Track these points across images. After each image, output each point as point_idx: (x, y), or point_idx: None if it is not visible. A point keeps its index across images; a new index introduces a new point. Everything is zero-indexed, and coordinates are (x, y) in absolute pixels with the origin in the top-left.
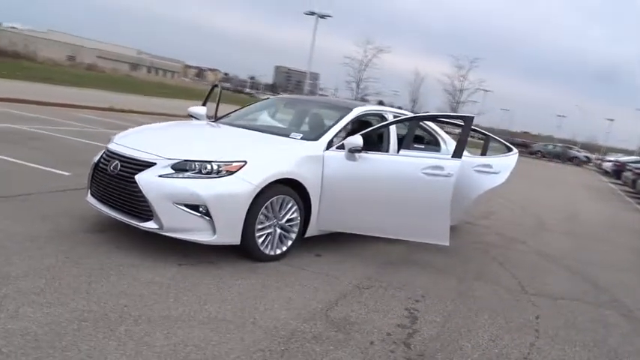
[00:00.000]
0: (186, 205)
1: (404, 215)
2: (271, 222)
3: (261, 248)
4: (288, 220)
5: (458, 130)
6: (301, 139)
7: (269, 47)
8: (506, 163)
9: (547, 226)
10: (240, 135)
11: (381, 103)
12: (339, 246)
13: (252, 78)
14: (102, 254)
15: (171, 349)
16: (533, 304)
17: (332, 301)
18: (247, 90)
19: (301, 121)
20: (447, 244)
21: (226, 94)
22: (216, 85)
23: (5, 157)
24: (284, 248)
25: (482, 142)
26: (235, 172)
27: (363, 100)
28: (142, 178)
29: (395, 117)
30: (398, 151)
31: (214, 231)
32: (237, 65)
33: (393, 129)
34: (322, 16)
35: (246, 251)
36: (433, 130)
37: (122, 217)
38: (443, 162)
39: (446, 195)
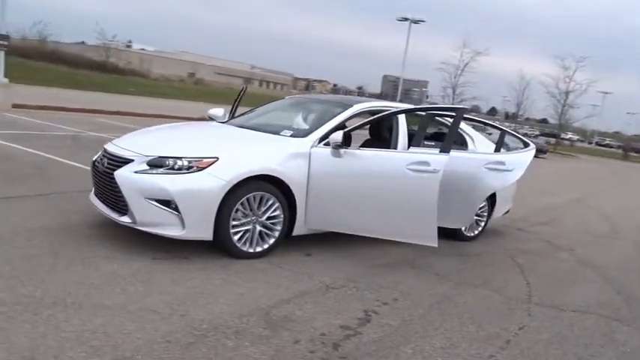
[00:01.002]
0: (157, 200)
1: (389, 214)
2: (250, 219)
3: (238, 245)
4: (270, 218)
5: (492, 130)
6: (291, 136)
7: (376, 57)
8: (520, 159)
9: (619, 235)
10: (230, 133)
11: (475, 110)
12: (336, 246)
13: (359, 88)
14: (86, 246)
15: (77, 334)
16: (528, 314)
17: (284, 299)
18: None
19: (304, 119)
20: (436, 245)
21: None
22: (244, 89)
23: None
24: (265, 246)
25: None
26: (205, 168)
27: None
28: (119, 174)
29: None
30: (408, 149)
31: (183, 226)
32: (346, 76)
33: (402, 125)
34: (415, 22)
35: (222, 248)
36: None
37: (107, 212)
38: (429, 157)
39: (432, 192)
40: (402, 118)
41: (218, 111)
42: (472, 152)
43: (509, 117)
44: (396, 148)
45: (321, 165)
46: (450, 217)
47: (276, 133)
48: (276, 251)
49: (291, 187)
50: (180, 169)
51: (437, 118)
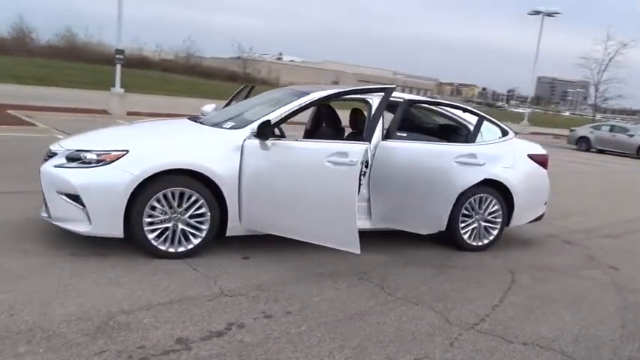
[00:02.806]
0: (67, 195)
1: (311, 213)
2: (168, 216)
3: (155, 244)
4: (194, 216)
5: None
6: (230, 128)
7: (529, 57)
8: (493, 152)
9: None
10: (169, 127)
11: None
12: (285, 249)
13: (510, 91)
14: (19, 240)
15: None
16: (449, 344)
17: (148, 305)
18: (499, 104)
19: (263, 111)
20: (358, 251)
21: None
22: (246, 86)
23: None
24: (190, 246)
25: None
26: (113, 161)
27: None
28: (42, 168)
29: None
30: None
31: (90, 221)
32: (496, 79)
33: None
34: (549, 14)
35: (139, 246)
36: (457, 116)
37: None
38: (347, 147)
39: (349, 188)
40: (374, 107)
41: (209, 107)
42: (439, 144)
43: None
44: (368, 140)
45: (253, 158)
46: (415, 221)
47: (219, 125)
48: (209, 252)
49: (217, 183)
50: (89, 162)
51: (438, 109)
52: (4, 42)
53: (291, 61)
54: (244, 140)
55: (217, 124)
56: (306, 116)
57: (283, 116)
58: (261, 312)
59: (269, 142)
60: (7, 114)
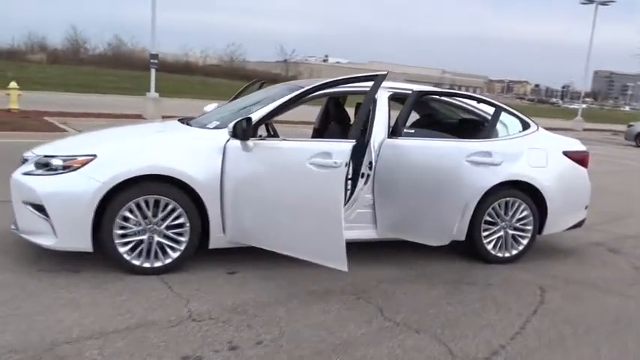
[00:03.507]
0: (32, 205)
1: (293, 224)
2: (143, 228)
3: (128, 258)
4: (172, 227)
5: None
6: (214, 128)
7: (583, 50)
8: (513, 148)
9: None
10: (144, 128)
11: None
12: (278, 263)
13: (564, 87)
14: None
15: None
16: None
17: (99, 332)
18: (553, 100)
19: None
20: (345, 269)
21: (520, 107)
22: (257, 81)
23: None
24: (168, 260)
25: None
26: (80, 167)
27: None
28: (13, 177)
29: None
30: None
31: (55, 234)
32: (550, 75)
33: (382, 109)
34: (603, 3)
35: (111, 261)
36: (476, 109)
37: None
38: (331, 146)
39: (333, 195)
40: (381, 100)
41: (211, 106)
42: (449, 140)
43: None
44: (368, 139)
45: (235, 162)
46: (423, 230)
47: (204, 126)
48: (191, 266)
49: (196, 190)
50: (56, 169)
51: (453, 101)
52: (56, 52)
53: (337, 62)
54: (227, 141)
55: (203, 125)
56: (314, 115)
57: (266, 114)
58: (227, 342)
59: (250, 143)
60: (43, 120)
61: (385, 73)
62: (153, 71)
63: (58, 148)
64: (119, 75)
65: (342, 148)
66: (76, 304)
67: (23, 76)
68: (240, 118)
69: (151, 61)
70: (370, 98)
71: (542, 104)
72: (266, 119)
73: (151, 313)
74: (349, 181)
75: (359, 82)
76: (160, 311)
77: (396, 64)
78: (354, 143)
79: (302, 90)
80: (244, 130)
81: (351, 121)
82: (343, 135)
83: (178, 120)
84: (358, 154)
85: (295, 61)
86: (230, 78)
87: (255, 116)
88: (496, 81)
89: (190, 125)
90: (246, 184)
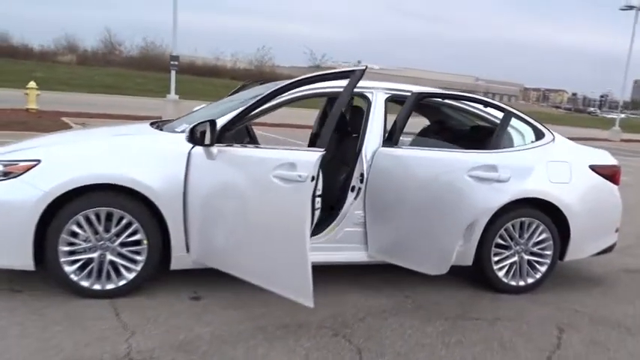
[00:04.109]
0: None
1: (255, 247)
2: (93, 244)
3: (75, 279)
4: (127, 244)
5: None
6: (182, 132)
7: (623, 60)
8: (525, 162)
9: None
10: (102, 131)
11: None
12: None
13: (602, 96)
14: None
15: None
16: None
17: None
18: (590, 109)
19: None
20: (310, 304)
21: (554, 116)
22: (255, 82)
23: None
24: (122, 282)
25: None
26: (21, 174)
27: None
28: None
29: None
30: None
31: None
32: (587, 83)
33: (377, 114)
34: None
35: (57, 281)
36: (491, 115)
37: None
38: (296, 156)
39: (297, 214)
40: (377, 103)
41: (199, 107)
42: (449, 151)
43: None
44: (360, 147)
45: (201, 171)
46: (416, 255)
47: (173, 130)
48: (152, 288)
49: (155, 202)
50: None
51: (459, 105)
52: (86, 54)
53: (370, 67)
54: (192, 148)
55: (174, 128)
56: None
57: (233, 117)
58: None
59: (214, 150)
60: (58, 120)
61: (364, 68)
62: (173, 73)
63: (5, 151)
64: (147, 77)
65: (307, 159)
66: (2, 333)
67: (51, 77)
68: (202, 121)
69: (171, 62)
70: (344, 99)
71: (579, 113)
72: (237, 123)
73: (82, 348)
74: (318, 199)
75: (333, 79)
76: (93, 347)
77: (428, 70)
78: (323, 153)
79: (268, 92)
80: (205, 135)
81: (358, 129)
82: (341, 142)
83: (150, 123)
84: (348, 164)
85: (328, 67)
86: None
87: (223, 119)
88: (532, 89)
89: (161, 129)
90: (210, 197)
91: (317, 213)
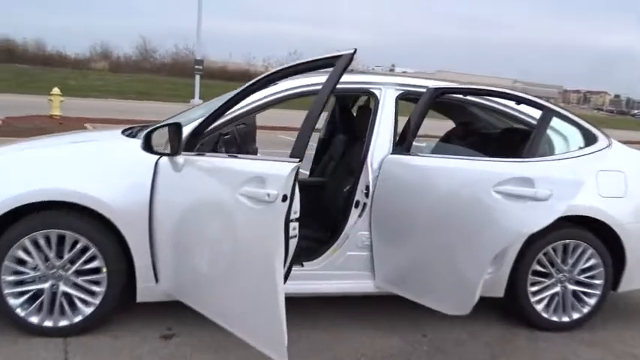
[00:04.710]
0: None
1: (226, 282)
2: (43, 273)
3: (23, 314)
4: (83, 273)
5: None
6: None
7: None
8: (570, 174)
9: None
10: (63, 139)
11: None
12: None
13: None
14: None
15: None
16: None
17: None
18: (634, 111)
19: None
20: (284, 359)
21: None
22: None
23: None
24: (77, 318)
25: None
26: None
27: None
28: None
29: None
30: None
31: None
32: (631, 85)
33: (386, 114)
34: None
35: (2, 317)
36: (526, 115)
37: None
38: (265, 168)
39: (266, 244)
40: (386, 101)
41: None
42: (473, 160)
43: None
44: (365, 155)
45: (169, 184)
46: (432, 289)
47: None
48: (120, 322)
49: (115, 222)
50: None
51: (495, 105)
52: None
53: (404, 72)
54: (159, 157)
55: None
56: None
57: (204, 120)
58: None
59: (180, 160)
60: (82, 127)
61: (352, 51)
62: (197, 78)
63: None
64: (176, 83)
65: (276, 173)
66: None
67: (84, 84)
68: (163, 123)
69: (196, 67)
70: (325, 94)
71: (621, 115)
72: (209, 126)
73: None
74: (294, 224)
75: (314, 69)
76: None
77: (464, 73)
78: (297, 164)
79: (241, 89)
80: (152, 143)
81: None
82: (349, 148)
83: (123, 130)
84: (352, 175)
85: (361, 71)
86: None
87: (194, 125)
88: (572, 91)
89: (134, 135)
90: (180, 217)
91: (293, 242)
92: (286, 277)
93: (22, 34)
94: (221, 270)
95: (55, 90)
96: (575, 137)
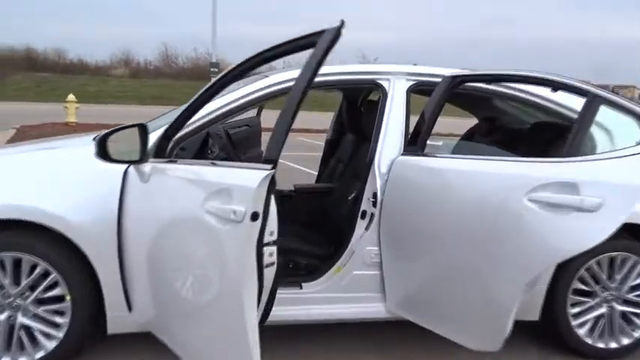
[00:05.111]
0: None
1: (195, 313)
2: None
3: None
4: (45, 302)
5: None
6: None
7: None
8: (624, 175)
9: None
10: (30, 147)
11: None
12: None
13: None
14: None
15: None
16: None
17: None
18: None
19: None
20: None
21: None
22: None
23: None
24: (39, 354)
25: None
26: None
27: None
28: None
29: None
30: (399, 155)
31: None
32: None
33: (396, 109)
34: None
35: None
36: (562, 106)
37: None
38: (231, 178)
39: (233, 274)
40: (396, 94)
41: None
42: (502, 160)
43: None
44: (372, 158)
45: (138, 197)
46: (452, 318)
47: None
48: (90, 355)
49: (77, 242)
50: None
51: (525, 97)
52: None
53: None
54: (128, 166)
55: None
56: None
57: (172, 122)
58: None
59: (146, 168)
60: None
61: (339, 24)
62: (212, 80)
63: None
64: (195, 87)
65: (243, 184)
66: None
67: (103, 90)
68: (123, 126)
69: (211, 69)
70: (304, 80)
71: None
72: (178, 129)
73: None
74: (271, 248)
75: (297, 49)
76: None
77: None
78: (270, 172)
79: (215, 80)
80: (107, 149)
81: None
82: (356, 151)
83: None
84: (359, 180)
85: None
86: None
87: (160, 128)
88: (600, 86)
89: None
90: (150, 236)
91: (270, 271)
92: (266, 313)
93: (43, 43)
94: (190, 303)
95: (71, 97)
96: (631, 129)
